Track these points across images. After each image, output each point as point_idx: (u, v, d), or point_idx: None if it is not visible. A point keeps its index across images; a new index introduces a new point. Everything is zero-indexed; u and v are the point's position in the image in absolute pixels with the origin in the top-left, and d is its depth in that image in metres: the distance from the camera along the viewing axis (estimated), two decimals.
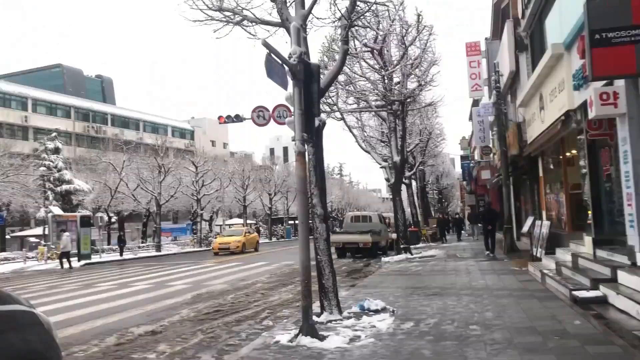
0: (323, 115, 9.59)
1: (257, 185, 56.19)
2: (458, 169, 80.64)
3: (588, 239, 10.71)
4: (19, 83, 72.27)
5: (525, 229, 14.76)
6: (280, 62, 7.23)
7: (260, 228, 67.18)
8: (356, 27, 21.17)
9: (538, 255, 13.96)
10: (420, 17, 20.18)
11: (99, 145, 71.35)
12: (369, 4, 9.34)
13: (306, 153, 8.81)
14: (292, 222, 69.09)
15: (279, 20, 9.43)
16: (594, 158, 10.79)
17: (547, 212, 15.94)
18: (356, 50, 21.12)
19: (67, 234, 26.87)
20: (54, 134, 41.11)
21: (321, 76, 9.12)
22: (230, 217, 67.54)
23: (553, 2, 13.73)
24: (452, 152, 50.64)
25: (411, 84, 21.55)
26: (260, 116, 24.40)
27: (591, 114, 8.69)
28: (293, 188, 66.35)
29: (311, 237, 8.80)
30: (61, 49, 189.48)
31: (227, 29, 10.19)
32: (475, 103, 40.52)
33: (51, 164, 38.36)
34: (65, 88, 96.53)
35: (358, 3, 9.35)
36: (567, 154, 13.22)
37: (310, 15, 9.55)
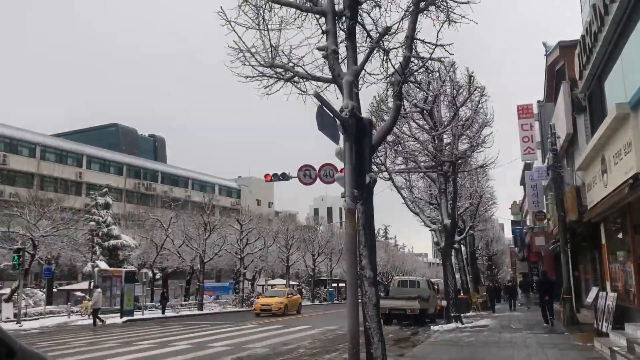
0: (373, 173, 9.19)
1: (300, 246, 55.65)
2: (507, 235, 78.23)
3: None
4: (76, 141, 75.37)
5: (589, 300, 13.67)
6: (332, 115, 6.94)
7: (303, 290, 66.10)
8: (406, 88, 21.11)
9: (604, 330, 12.83)
10: (472, 78, 19.91)
11: (148, 202, 73.11)
12: (422, 59, 9.07)
13: (356, 210, 8.41)
14: (335, 284, 67.81)
15: (330, 77, 9.26)
16: None
17: (611, 282, 14.81)
18: (405, 110, 20.93)
19: (98, 290, 26.82)
20: (104, 190, 42.09)
21: (372, 132, 8.80)
22: (273, 278, 66.88)
23: (614, 61, 13.20)
24: (502, 216, 49.20)
25: (462, 145, 21.06)
26: (307, 175, 24.27)
27: None
28: (337, 249, 65.46)
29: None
30: (117, 108, 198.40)
31: (278, 85, 10.12)
32: (528, 167, 39.52)
33: (100, 219, 39.08)
34: (119, 147, 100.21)
35: (412, 59, 9.10)
36: (635, 220, 12.31)
37: (362, 72, 9.36)
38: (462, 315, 23.10)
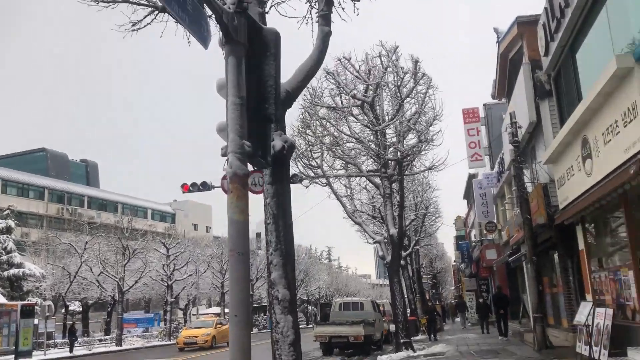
0: (289, 137, 6.03)
1: None
2: (449, 253, 76.60)
3: None
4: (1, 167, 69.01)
5: (581, 318, 10.95)
6: None
7: None
8: (344, 79, 18.21)
9: (598, 356, 10.04)
10: (418, 65, 17.24)
11: (71, 229, 67.24)
12: None
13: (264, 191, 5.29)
14: None
15: None
16: None
17: (594, 296, 12.14)
18: (342, 103, 18.04)
19: None
20: (5, 212, 36.80)
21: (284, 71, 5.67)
22: (210, 306, 62.56)
23: (595, 17, 10.72)
24: (446, 230, 47.09)
25: (409, 142, 18.30)
26: None
27: None
28: None
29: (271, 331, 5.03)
30: (47, 135, 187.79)
31: (149, 18, 6.89)
32: (472, 178, 37.54)
33: None
34: (48, 172, 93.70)
35: None
36: (634, 210, 9.65)
37: None
38: (412, 339, 20.19)
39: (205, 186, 20.71)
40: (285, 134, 5.75)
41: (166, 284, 40.46)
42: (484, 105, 28.96)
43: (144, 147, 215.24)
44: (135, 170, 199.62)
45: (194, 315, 55.51)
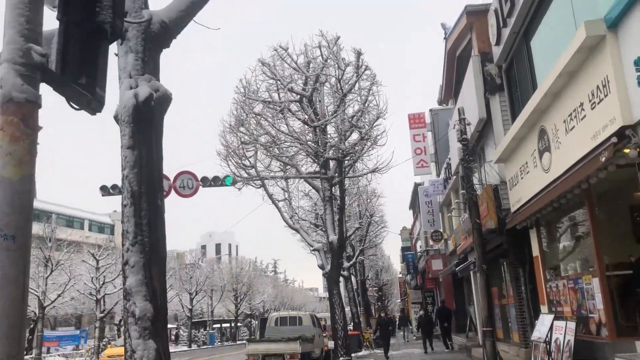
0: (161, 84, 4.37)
1: (174, 284, 49.14)
2: (395, 265, 76.20)
3: None
4: None
5: (538, 334, 9.66)
6: None
7: (181, 332, 59.03)
8: (281, 71, 16.68)
9: None
10: (362, 58, 15.90)
11: None
12: None
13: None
14: (217, 325, 61.84)
15: None
16: None
17: (549, 307, 10.94)
18: (280, 98, 16.49)
19: None
20: None
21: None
22: None
23: (551, 1, 9.60)
24: (392, 247, 46.33)
25: (350, 140, 16.89)
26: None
27: None
28: (218, 286, 59.34)
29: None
30: None
31: None
32: (416, 187, 36.65)
33: None
34: None
35: None
36: (604, 209, 8.46)
37: None
38: (353, 356, 18.71)
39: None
40: (159, 81, 4.10)
41: (95, 298, 37.60)
42: (430, 110, 28.05)
43: (88, 156, 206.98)
44: (76, 180, 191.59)
45: None
